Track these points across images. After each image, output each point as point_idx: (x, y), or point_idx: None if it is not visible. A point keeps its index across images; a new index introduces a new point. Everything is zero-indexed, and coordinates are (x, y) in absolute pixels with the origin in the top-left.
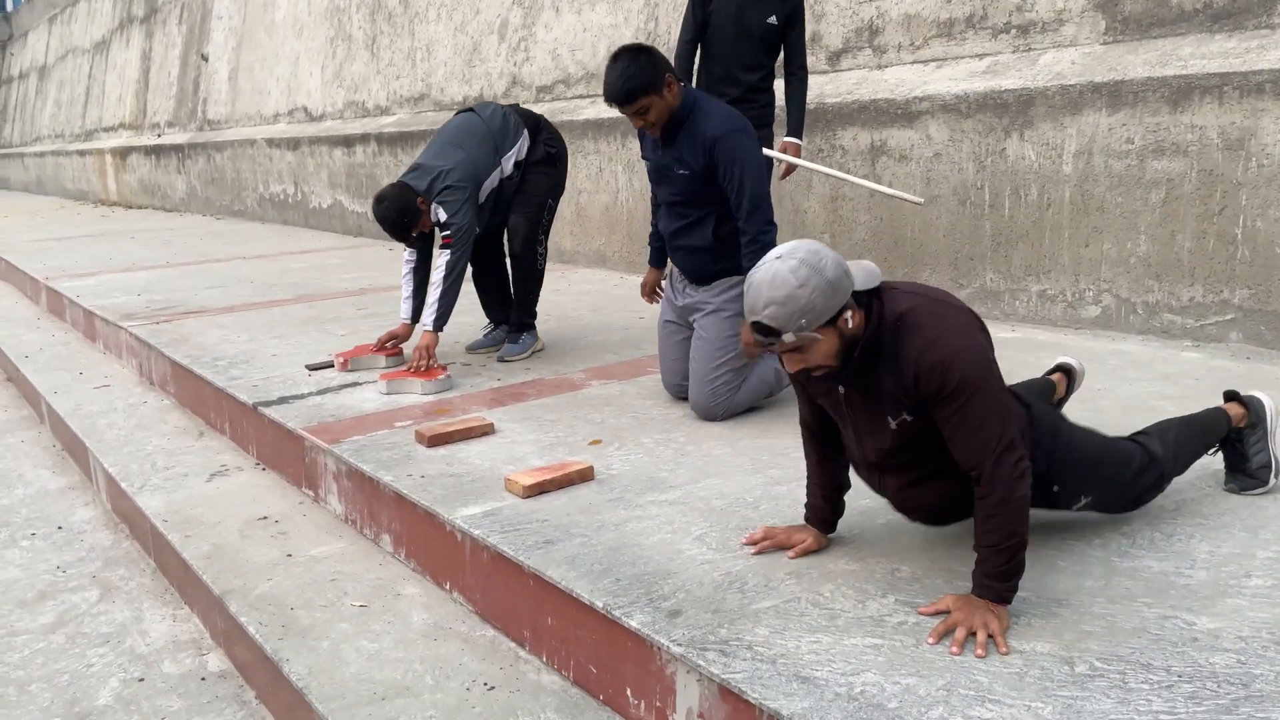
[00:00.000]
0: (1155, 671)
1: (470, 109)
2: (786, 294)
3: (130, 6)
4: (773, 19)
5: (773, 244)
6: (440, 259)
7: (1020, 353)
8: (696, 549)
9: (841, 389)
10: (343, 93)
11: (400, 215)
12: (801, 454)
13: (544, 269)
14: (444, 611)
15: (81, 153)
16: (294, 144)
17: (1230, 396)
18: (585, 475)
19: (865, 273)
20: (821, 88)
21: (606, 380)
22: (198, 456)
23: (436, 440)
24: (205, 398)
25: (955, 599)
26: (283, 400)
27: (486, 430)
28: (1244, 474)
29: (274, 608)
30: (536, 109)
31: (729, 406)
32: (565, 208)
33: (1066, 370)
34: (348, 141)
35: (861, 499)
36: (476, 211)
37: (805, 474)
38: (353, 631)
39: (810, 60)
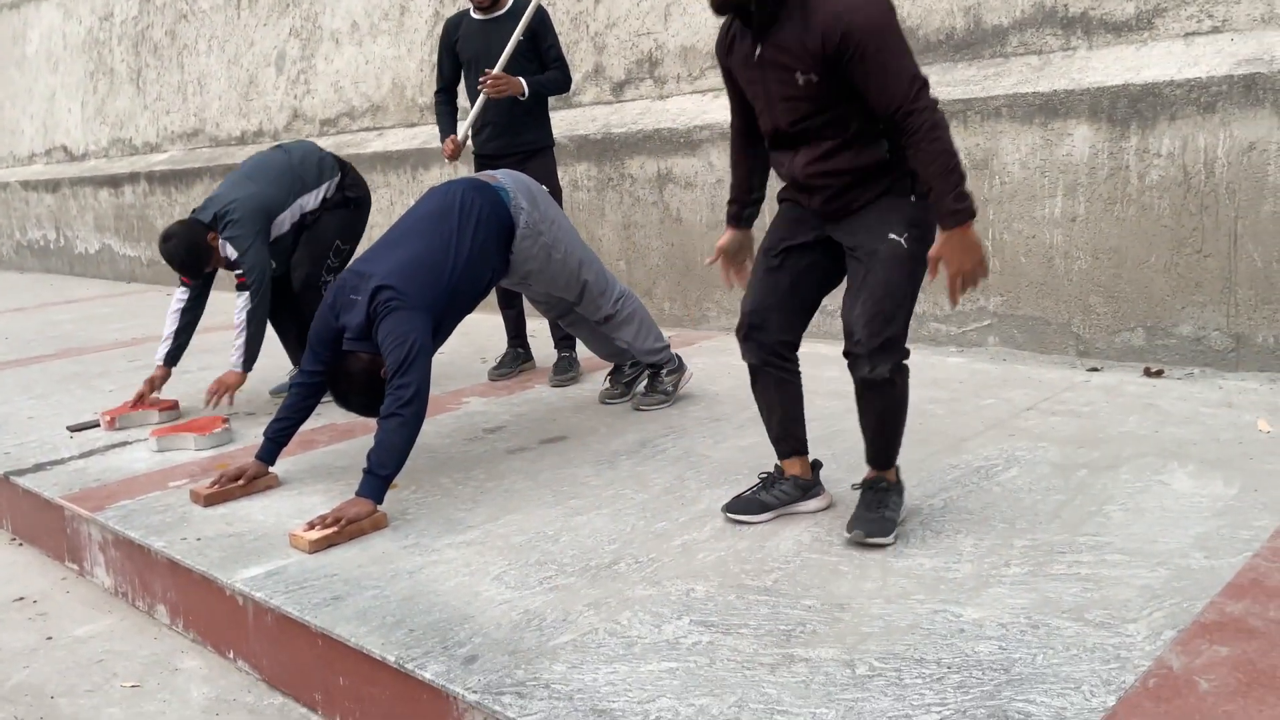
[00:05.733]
0: (927, 665)
1: (281, 146)
2: None
3: None
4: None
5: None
6: (240, 300)
7: (804, 366)
8: (495, 589)
9: (759, 49)
10: (106, 130)
11: (188, 253)
12: (601, 483)
13: None
14: (227, 682)
15: None
16: (53, 186)
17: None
18: (378, 523)
19: None
20: (608, 118)
21: None
22: None
23: (214, 499)
24: None
25: (941, 246)
26: (39, 467)
27: (270, 483)
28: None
29: (31, 699)
30: (321, 143)
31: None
32: None
33: None
34: (114, 181)
35: (658, 523)
36: (268, 248)
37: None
38: (123, 716)
39: (595, 91)
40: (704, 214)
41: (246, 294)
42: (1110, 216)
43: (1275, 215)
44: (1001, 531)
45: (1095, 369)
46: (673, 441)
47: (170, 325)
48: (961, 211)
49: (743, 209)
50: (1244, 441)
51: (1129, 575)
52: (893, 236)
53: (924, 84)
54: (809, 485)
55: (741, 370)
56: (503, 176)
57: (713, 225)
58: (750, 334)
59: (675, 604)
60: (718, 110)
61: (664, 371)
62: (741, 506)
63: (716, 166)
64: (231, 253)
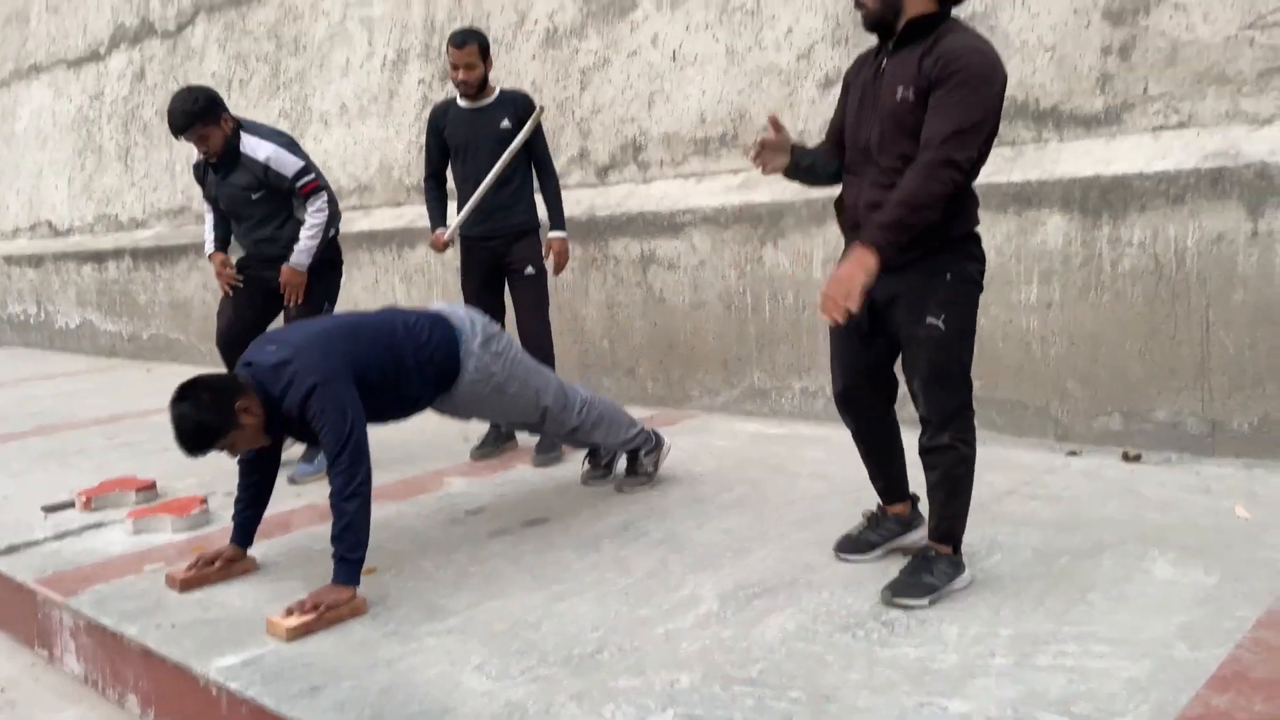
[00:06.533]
0: None
1: None
2: None
3: None
4: (506, 123)
5: None
6: (313, 205)
7: (786, 447)
8: (475, 680)
9: (885, 61)
10: (92, 206)
11: (199, 101)
12: (584, 567)
13: None
14: None
15: None
16: (36, 260)
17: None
18: (356, 609)
19: None
20: (592, 200)
21: (382, 502)
22: None
23: (189, 583)
24: None
25: (845, 261)
26: (12, 549)
27: (247, 567)
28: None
29: None
30: None
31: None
32: None
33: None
34: (99, 256)
35: (641, 609)
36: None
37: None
38: None
39: (580, 174)
40: (687, 294)
41: (323, 197)
42: (1085, 303)
43: (1245, 304)
44: (986, 620)
45: (1074, 452)
46: (655, 524)
47: (208, 224)
48: (874, 235)
49: (798, 152)
50: (1222, 529)
51: (1115, 666)
52: (930, 320)
53: (965, 144)
54: (910, 520)
55: (722, 451)
56: (464, 312)
57: (696, 305)
58: (844, 405)
59: (659, 695)
60: (700, 195)
61: (642, 453)
62: (850, 546)
63: (699, 249)
64: (290, 160)
